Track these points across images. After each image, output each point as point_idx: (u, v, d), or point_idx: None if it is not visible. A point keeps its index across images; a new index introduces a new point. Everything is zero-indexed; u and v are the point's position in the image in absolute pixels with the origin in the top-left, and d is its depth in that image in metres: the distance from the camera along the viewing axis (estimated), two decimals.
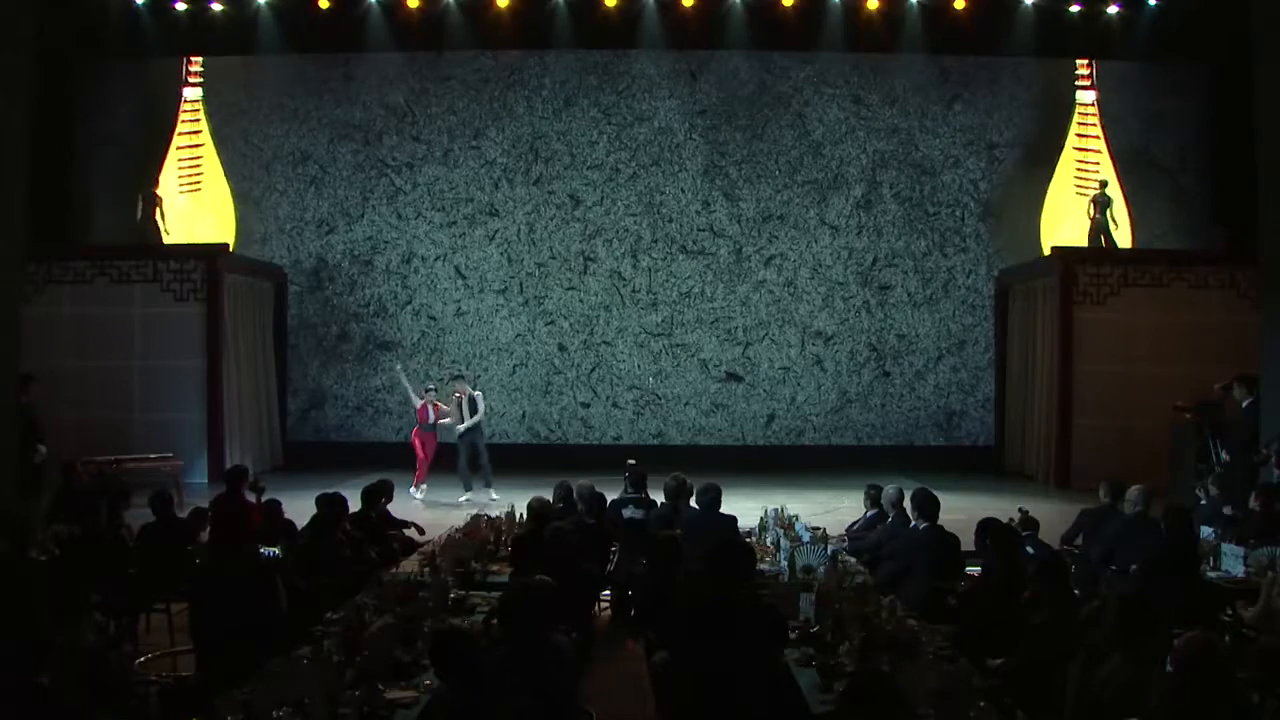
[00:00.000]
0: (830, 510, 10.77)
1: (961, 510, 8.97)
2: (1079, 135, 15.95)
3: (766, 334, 16.04)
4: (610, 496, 8.30)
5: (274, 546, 6.52)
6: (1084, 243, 15.19)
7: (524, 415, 16.02)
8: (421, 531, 8.54)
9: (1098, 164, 15.83)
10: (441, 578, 6.02)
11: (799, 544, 7.00)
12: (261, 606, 5.30)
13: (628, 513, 8.02)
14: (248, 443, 14.44)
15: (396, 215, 16.06)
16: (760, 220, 16.04)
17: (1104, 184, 15.44)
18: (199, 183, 15.90)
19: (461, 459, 12.44)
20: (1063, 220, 15.82)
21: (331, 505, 7.22)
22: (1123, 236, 15.54)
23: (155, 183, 15.41)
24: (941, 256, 16.00)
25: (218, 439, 13.71)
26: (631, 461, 8.72)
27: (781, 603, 5.33)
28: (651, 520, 8.01)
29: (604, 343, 16.05)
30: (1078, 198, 15.82)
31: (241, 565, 5.53)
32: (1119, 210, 15.54)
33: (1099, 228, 15.13)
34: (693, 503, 8.03)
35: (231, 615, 5.18)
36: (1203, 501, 10.03)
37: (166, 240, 15.09)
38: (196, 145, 16.00)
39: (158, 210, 15.20)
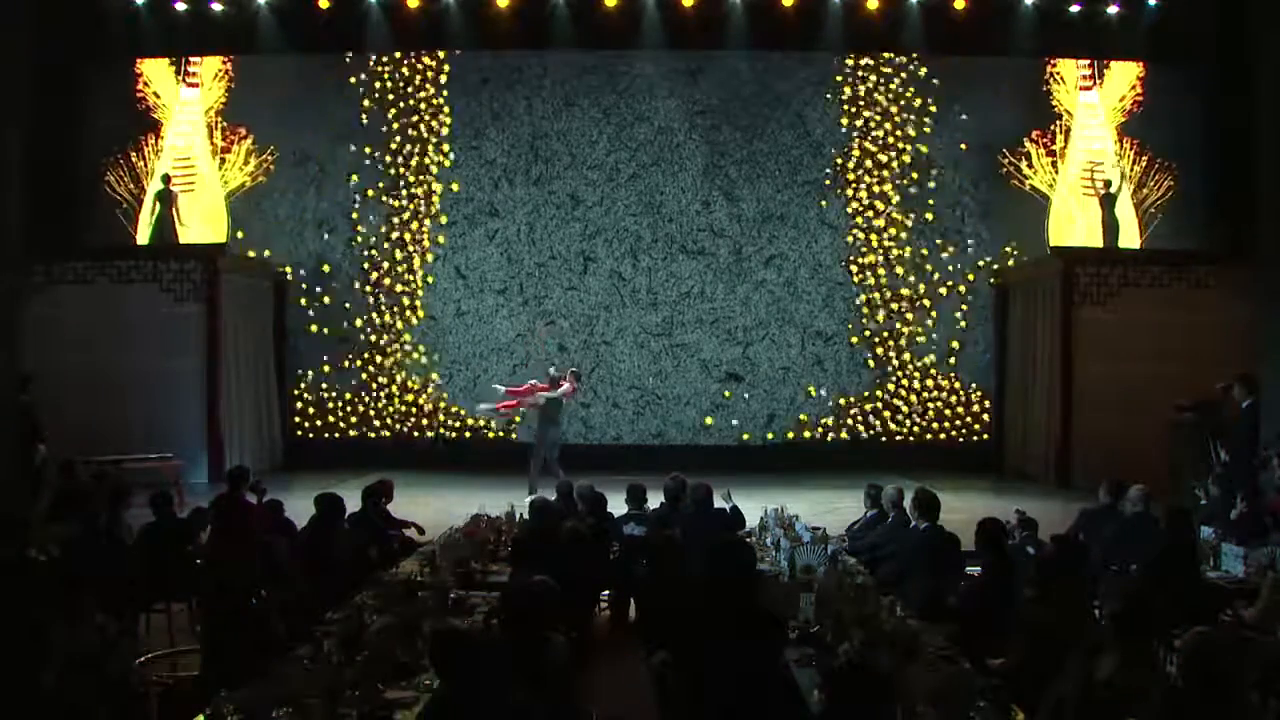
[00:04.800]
0: (830, 510, 10.77)
1: (961, 510, 8.97)
2: (1083, 135, 15.94)
3: (766, 334, 16.04)
4: (610, 497, 8.29)
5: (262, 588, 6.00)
6: (1090, 243, 15.20)
7: (524, 415, 15.99)
8: (421, 531, 8.54)
9: (1103, 164, 15.82)
10: (441, 578, 6.02)
11: (799, 544, 7.00)
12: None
13: (628, 529, 7.99)
14: (248, 443, 14.44)
15: (396, 215, 16.07)
16: (760, 220, 16.04)
17: (1108, 183, 15.44)
18: (192, 183, 15.89)
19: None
20: (1068, 221, 15.79)
21: (331, 505, 7.22)
22: (1130, 237, 15.52)
23: (167, 180, 15.40)
24: (941, 256, 16.00)
25: (218, 439, 13.73)
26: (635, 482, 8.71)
27: (781, 603, 5.34)
28: (650, 521, 8.01)
29: (604, 343, 16.04)
30: (1084, 198, 15.81)
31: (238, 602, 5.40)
32: (1126, 211, 15.53)
33: (1109, 228, 15.13)
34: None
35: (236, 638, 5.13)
36: (1203, 501, 10.05)
37: (183, 236, 15.11)
38: (191, 145, 15.98)
39: (174, 208, 15.21)
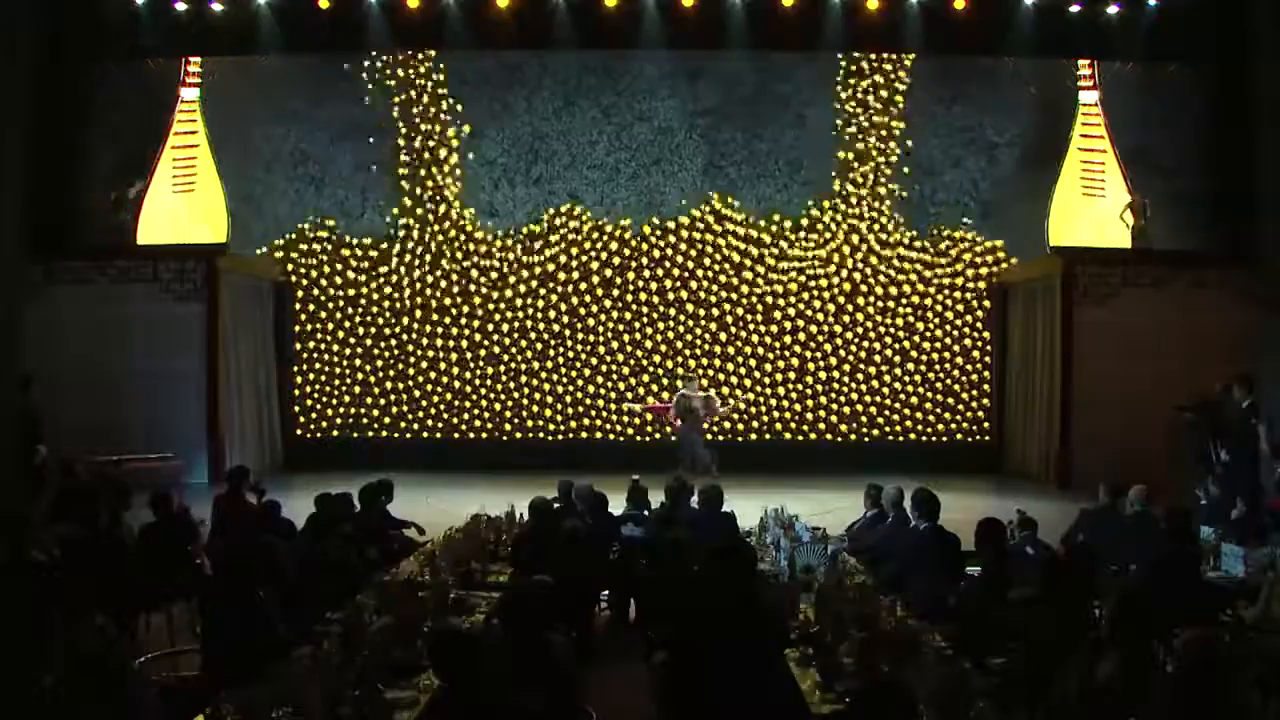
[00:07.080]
0: (830, 510, 10.76)
1: (961, 510, 8.96)
2: (1083, 136, 15.91)
3: (767, 333, 16.03)
4: (610, 498, 8.29)
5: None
6: (1090, 243, 15.16)
7: (524, 415, 16.02)
8: (421, 531, 8.55)
9: (1103, 164, 15.79)
10: (441, 578, 6.03)
11: (799, 544, 7.00)
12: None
13: (627, 530, 7.99)
14: (248, 443, 14.45)
15: (396, 215, 16.06)
16: (760, 220, 16.03)
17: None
18: (193, 183, 15.85)
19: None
20: (1069, 221, 15.76)
21: (332, 505, 7.22)
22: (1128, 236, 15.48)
23: (129, 184, 15.25)
24: (942, 257, 15.99)
25: (218, 439, 13.73)
26: (635, 478, 8.70)
27: (781, 603, 5.34)
28: (650, 520, 8.00)
29: (603, 343, 16.03)
30: (1084, 198, 15.77)
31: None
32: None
33: (1140, 233, 15.07)
34: (693, 503, 8.05)
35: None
36: (1203, 501, 10.05)
37: (140, 237, 14.99)
38: (192, 146, 15.96)
39: (126, 208, 15.06)
